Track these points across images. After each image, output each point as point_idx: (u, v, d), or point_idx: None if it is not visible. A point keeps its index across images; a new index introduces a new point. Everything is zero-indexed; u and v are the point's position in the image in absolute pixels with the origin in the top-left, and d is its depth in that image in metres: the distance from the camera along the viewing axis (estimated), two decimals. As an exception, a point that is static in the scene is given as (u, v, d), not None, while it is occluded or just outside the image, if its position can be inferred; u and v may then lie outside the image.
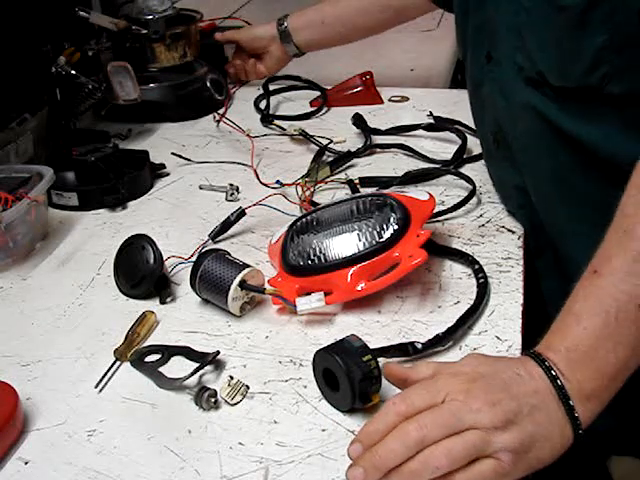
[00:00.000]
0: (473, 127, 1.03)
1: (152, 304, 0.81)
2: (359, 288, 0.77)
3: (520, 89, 0.79)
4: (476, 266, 0.81)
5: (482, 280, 0.79)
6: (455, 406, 0.56)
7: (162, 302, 0.81)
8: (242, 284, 0.76)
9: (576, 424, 0.57)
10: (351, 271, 0.77)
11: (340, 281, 0.77)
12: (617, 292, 0.59)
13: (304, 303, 0.75)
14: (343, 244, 0.79)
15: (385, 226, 0.79)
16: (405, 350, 0.69)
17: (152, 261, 0.81)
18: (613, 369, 0.58)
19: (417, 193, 0.87)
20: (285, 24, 1.26)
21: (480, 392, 0.56)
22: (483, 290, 0.77)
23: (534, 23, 0.75)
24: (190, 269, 0.79)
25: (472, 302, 0.76)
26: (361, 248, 0.78)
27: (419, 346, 0.69)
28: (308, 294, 0.76)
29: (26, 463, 0.62)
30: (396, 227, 0.78)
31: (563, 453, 0.57)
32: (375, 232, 0.79)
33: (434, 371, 0.60)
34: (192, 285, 0.79)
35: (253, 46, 1.32)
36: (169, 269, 0.86)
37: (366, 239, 0.79)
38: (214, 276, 0.77)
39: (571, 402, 0.57)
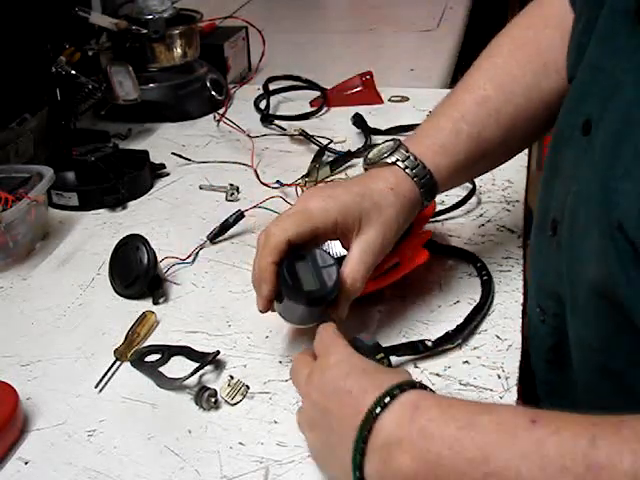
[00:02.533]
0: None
1: (152, 304, 0.81)
2: (359, 288, 0.77)
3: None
4: (478, 264, 0.81)
5: (486, 277, 0.79)
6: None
7: (155, 303, 0.81)
8: None
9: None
10: (351, 271, 0.77)
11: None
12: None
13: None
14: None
15: (385, 226, 0.79)
16: (416, 348, 0.70)
17: (146, 261, 0.81)
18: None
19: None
20: (427, 176, 0.73)
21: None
22: (488, 287, 0.77)
23: None
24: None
25: (473, 301, 0.76)
26: (361, 248, 0.78)
27: (429, 344, 0.70)
28: None
29: (26, 463, 0.62)
30: (396, 227, 0.78)
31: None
32: (375, 232, 0.78)
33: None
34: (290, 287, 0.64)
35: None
36: (168, 269, 0.86)
37: (366, 239, 0.78)
38: None
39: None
